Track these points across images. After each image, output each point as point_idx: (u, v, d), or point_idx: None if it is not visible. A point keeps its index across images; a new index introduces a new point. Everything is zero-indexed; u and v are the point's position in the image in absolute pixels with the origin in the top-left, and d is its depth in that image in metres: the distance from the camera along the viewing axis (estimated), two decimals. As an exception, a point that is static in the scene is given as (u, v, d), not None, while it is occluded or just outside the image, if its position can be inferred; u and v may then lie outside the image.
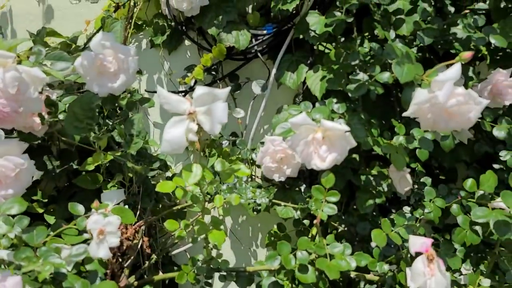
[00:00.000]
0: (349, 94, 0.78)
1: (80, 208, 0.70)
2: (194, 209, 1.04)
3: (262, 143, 1.05)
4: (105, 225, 0.65)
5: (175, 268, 1.06)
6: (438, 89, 0.56)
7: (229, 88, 0.62)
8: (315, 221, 0.70)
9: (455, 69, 0.57)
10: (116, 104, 0.96)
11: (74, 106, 0.79)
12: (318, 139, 0.69)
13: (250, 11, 1.01)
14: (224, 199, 0.78)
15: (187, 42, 1.07)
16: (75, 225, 0.69)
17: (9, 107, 0.64)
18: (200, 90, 0.61)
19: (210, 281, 0.85)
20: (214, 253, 0.87)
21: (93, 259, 0.69)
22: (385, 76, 0.72)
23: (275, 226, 1.04)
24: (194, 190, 0.72)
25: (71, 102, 0.79)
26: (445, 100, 0.55)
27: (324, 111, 0.74)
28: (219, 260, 0.79)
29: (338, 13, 0.78)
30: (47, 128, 0.83)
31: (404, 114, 0.62)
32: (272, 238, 1.01)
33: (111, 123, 0.94)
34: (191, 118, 0.61)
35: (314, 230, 0.95)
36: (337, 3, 0.79)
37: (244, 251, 1.12)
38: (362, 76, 0.74)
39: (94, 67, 0.78)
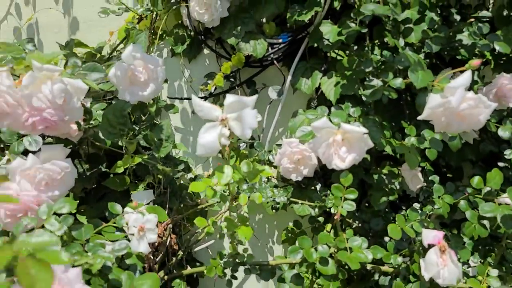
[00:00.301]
0: (364, 99, 0.84)
1: (119, 208, 0.76)
2: (215, 208, 1.11)
3: (278, 145, 1.12)
4: (144, 223, 0.71)
5: (197, 264, 1.13)
6: (451, 95, 0.62)
7: (256, 96, 0.68)
8: (335, 217, 0.76)
9: (466, 76, 0.63)
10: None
11: (108, 113, 0.85)
12: (338, 141, 0.75)
13: (265, 21, 1.07)
14: (248, 198, 0.84)
15: (206, 51, 1.13)
16: (114, 223, 0.75)
17: (57, 116, 0.70)
18: (230, 98, 0.67)
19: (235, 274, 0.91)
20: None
21: (132, 254, 0.75)
22: (398, 82, 0.78)
23: (290, 224, 1.11)
24: (222, 190, 0.78)
25: (105, 110, 0.85)
26: (458, 104, 0.61)
27: (342, 115, 0.80)
28: (245, 255, 0.84)
29: (352, 24, 0.84)
30: (82, 134, 0.89)
31: (419, 117, 0.68)
32: (289, 235, 1.07)
33: (137, 129, 1.00)
34: (223, 124, 0.67)
35: (328, 227, 1.01)
36: (352, 14, 0.85)
37: (261, 247, 1.18)
38: (376, 82, 0.80)
39: (126, 77, 0.84)
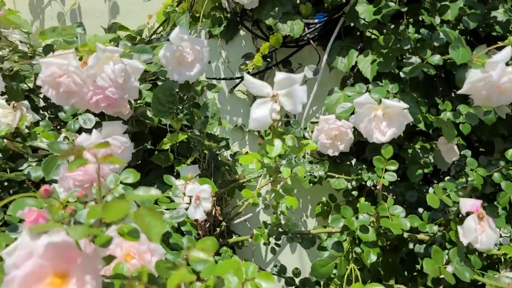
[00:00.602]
0: (402, 75, 0.87)
1: (173, 180, 0.82)
2: (252, 183, 1.17)
3: (313, 122, 1.16)
4: (200, 192, 0.77)
5: (234, 236, 1.19)
6: (492, 69, 0.65)
7: (303, 73, 0.73)
8: (378, 187, 0.80)
9: (506, 51, 0.66)
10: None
11: (158, 92, 0.90)
12: (379, 116, 0.79)
13: (301, 1, 1.10)
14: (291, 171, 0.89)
15: (242, 32, 1.17)
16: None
17: (118, 94, 0.76)
18: (280, 75, 0.72)
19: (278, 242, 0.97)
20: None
21: (187, 222, 0.81)
22: (436, 59, 0.82)
23: (323, 198, 1.16)
24: (269, 163, 0.83)
25: (155, 89, 0.90)
26: (499, 78, 0.64)
27: (382, 91, 0.84)
28: (288, 224, 0.90)
29: (391, 3, 0.87)
30: (132, 112, 0.95)
31: (459, 91, 0.72)
32: (325, 208, 1.13)
33: (180, 107, 1.05)
34: (274, 99, 0.72)
35: (361, 200, 1.06)
36: (391, -6, 0.88)
37: (296, 221, 1.24)
38: (414, 59, 0.83)
39: (174, 58, 0.89)
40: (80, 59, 0.78)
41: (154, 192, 0.42)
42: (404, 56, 0.87)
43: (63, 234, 0.41)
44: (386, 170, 0.80)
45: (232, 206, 1.14)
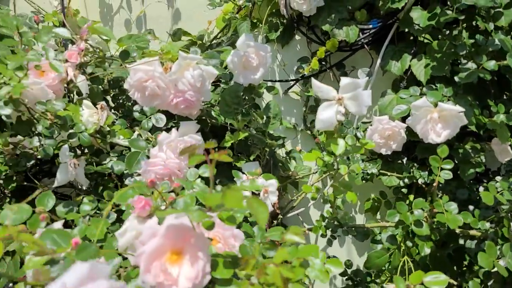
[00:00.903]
0: (456, 80, 0.92)
1: (241, 175, 0.90)
2: (304, 179, 1.24)
3: (364, 122, 1.22)
4: (268, 186, 0.85)
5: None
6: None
7: (367, 78, 0.79)
8: (434, 184, 0.86)
9: None
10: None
11: (225, 94, 0.99)
12: (435, 118, 0.84)
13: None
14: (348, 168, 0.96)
15: (297, 37, 1.24)
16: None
17: (195, 97, 0.85)
18: (345, 80, 0.79)
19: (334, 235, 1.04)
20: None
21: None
22: (491, 64, 0.86)
23: (373, 195, 1.22)
24: (329, 161, 0.90)
25: (223, 91, 0.99)
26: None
27: (437, 95, 0.89)
28: (346, 217, 0.97)
29: (448, 11, 0.91)
30: (200, 113, 1.04)
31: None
32: (375, 204, 1.18)
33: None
34: (339, 102, 0.79)
35: (411, 197, 1.11)
36: (448, 2, 0.93)
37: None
38: (470, 64, 0.88)
39: (241, 63, 0.98)
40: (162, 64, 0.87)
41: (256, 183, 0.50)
42: (459, 61, 0.92)
43: (182, 217, 0.50)
44: (442, 169, 0.85)
45: (287, 201, 1.21)
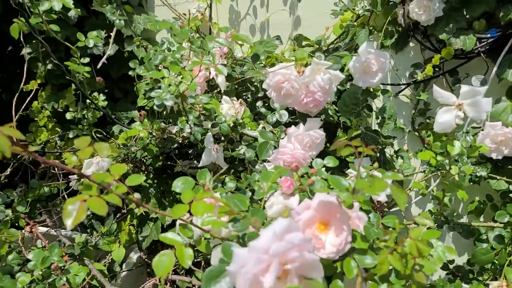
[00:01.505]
0: None
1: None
2: (409, 177, 1.31)
3: (473, 127, 1.26)
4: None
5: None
6: None
7: (486, 87, 0.86)
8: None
9: None
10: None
11: (345, 96, 1.11)
12: (554, 126, 0.88)
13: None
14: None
15: (411, 44, 1.32)
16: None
17: (323, 98, 0.99)
18: (465, 88, 0.86)
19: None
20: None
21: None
22: None
23: (477, 197, 1.26)
24: (441, 160, 0.98)
25: (343, 93, 1.11)
26: None
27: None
28: (454, 214, 1.04)
29: None
30: (318, 110, 1.18)
31: None
32: (481, 206, 1.22)
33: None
34: (459, 108, 0.87)
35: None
36: None
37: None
38: None
39: (361, 68, 1.09)
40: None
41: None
42: None
43: (330, 195, 0.64)
44: (557, 176, 0.89)
45: (391, 197, 1.30)
